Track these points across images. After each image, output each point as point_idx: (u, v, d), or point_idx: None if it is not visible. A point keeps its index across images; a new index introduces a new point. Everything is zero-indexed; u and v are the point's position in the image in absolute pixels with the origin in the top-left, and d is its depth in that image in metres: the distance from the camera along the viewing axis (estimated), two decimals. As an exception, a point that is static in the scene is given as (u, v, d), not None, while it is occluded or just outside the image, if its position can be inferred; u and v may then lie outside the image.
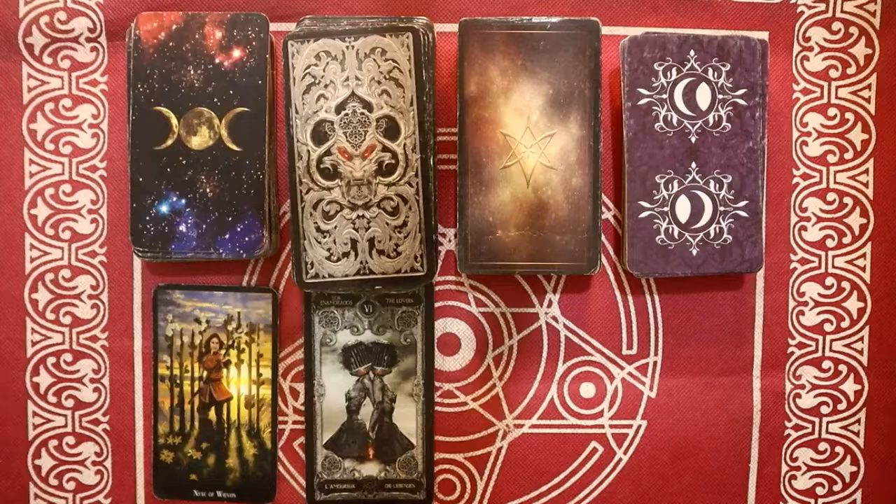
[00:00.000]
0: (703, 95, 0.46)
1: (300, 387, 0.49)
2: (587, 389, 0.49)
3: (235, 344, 0.48)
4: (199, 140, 0.45)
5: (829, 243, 0.49)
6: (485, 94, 0.45)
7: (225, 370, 0.48)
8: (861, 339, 0.50)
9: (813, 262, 0.49)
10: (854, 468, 0.50)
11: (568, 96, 0.45)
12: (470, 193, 0.45)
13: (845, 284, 0.49)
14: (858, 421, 0.50)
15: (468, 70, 0.45)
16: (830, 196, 0.49)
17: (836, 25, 0.48)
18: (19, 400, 0.49)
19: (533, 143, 0.45)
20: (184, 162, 0.45)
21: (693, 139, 0.46)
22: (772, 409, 0.50)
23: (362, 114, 0.44)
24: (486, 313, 0.49)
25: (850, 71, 0.49)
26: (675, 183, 0.46)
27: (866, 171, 0.49)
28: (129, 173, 0.45)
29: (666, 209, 0.46)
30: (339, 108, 0.45)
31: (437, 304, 0.49)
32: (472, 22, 0.45)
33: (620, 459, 0.50)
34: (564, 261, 0.46)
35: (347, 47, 0.44)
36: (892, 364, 0.50)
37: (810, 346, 0.50)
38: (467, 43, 0.45)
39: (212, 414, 0.48)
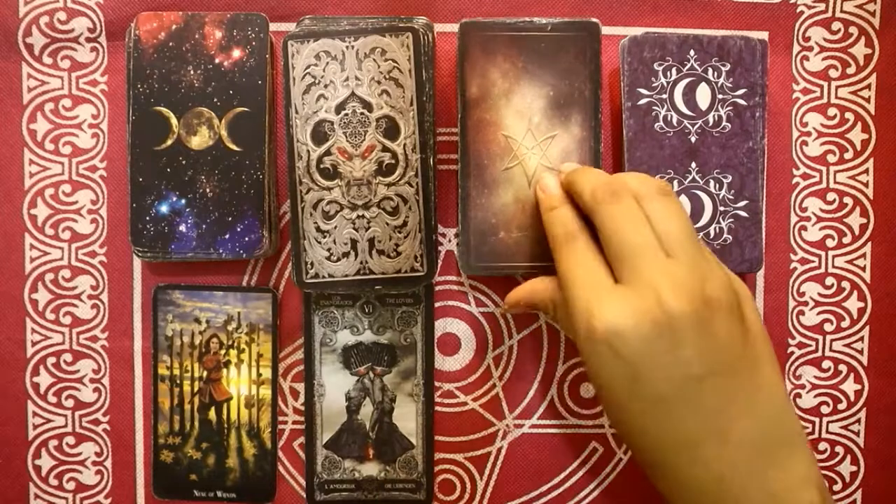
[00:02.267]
0: (703, 95, 0.46)
1: (300, 387, 0.49)
2: (587, 389, 0.49)
3: (235, 344, 0.48)
4: (199, 140, 0.45)
5: (829, 243, 0.49)
6: (486, 97, 0.45)
7: (225, 370, 0.48)
8: (861, 339, 0.50)
9: (813, 262, 0.49)
10: (854, 468, 0.50)
11: (569, 97, 0.45)
12: (472, 195, 0.45)
13: (845, 284, 0.49)
14: (858, 421, 0.50)
15: (469, 72, 0.45)
16: (830, 196, 0.49)
17: (836, 25, 0.48)
18: (19, 400, 0.49)
19: (534, 144, 0.45)
20: (184, 162, 0.45)
21: (693, 139, 0.46)
22: (772, 409, 0.50)
23: (362, 114, 0.44)
24: (486, 313, 0.49)
25: (850, 71, 0.49)
26: (675, 183, 0.46)
27: (866, 171, 0.49)
28: (129, 173, 0.45)
29: (666, 209, 0.46)
30: (339, 108, 0.45)
31: (437, 304, 0.49)
32: (473, 23, 0.45)
33: (620, 459, 0.50)
34: None
35: (347, 47, 0.44)
36: (892, 364, 0.50)
37: (810, 345, 0.50)
38: (468, 45, 0.45)
39: (212, 414, 0.48)
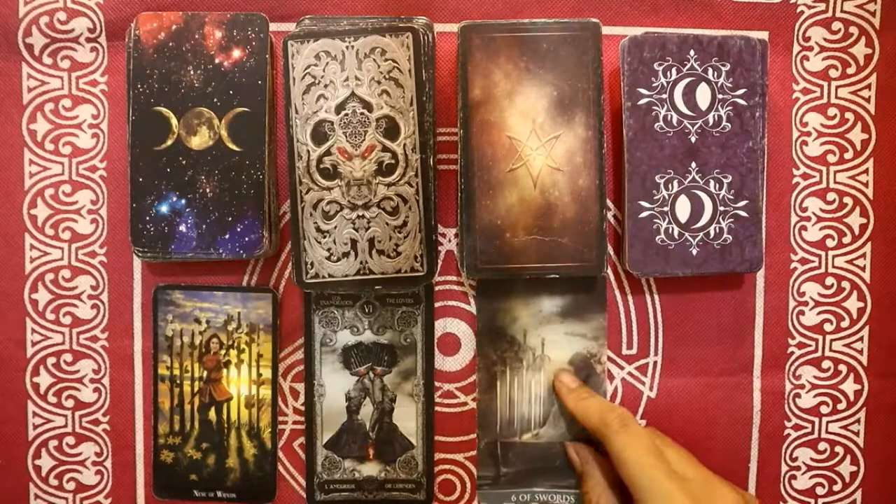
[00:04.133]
0: (703, 95, 0.46)
1: (300, 387, 0.49)
2: (587, 389, 0.49)
3: (235, 344, 0.48)
4: (199, 140, 0.45)
5: (829, 243, 0.49)
6: (489, 98, 0.45)
7: (225, 370, 0.48)
8: (861, 339, 0.50)
9: (813, 261, 0.49)
10: (854, 468, 0.50)
11: (572, 98, 0.45)
12: (477, 197, 0.45)
13: (845, 284, 0.49)
14: (858, 421, 0.50)
15: (472, 74, 0.45)
16: (830, 196, 0.49)
17: (836, 25, 0.48)
18: (19, 400, 0.49)
19: (539, 145, 0.45)
20: (184, 162, 0.45)
21: (693, 139, 0.46)
22: (772, 409, 0.50)
23: (362, 114, 0.44)
24: (486, 313, 0.49)
25: (850, 71, 0.49)
26: (675, 183, 0.46)
27: (866, 171, 0.49)
28: (129, 173, 0.45)
29: (666, 209, 0.46)
30: (339, 108, 0.45)
31: (437, 304, 0.49)
32: (473, 26, 0.45)
33: (620, 459, 0.50)
34: (573, 262, 0.45)
35: (347, 47, 0.44)
36: (892, 364, 0.50)
37: (810, 346, 0.50)
38: (469, 47, 0.45)
39: (212, 414, 0.48)
